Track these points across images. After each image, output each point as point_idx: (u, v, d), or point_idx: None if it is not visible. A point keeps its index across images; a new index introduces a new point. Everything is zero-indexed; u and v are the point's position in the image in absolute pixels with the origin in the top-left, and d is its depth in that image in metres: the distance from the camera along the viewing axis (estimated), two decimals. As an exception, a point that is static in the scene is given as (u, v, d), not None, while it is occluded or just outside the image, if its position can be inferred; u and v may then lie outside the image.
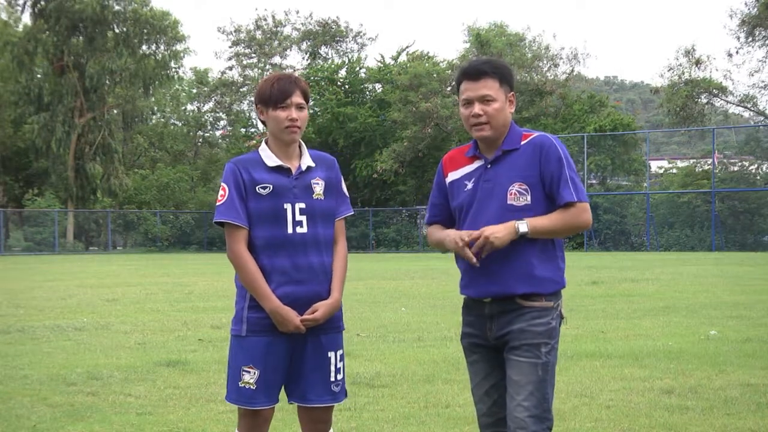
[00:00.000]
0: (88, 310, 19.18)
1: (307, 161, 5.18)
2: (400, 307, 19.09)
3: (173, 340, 13.98)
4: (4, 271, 38.27)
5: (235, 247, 5.04)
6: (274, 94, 5.06)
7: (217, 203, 5.08)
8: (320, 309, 5.14)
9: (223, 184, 5.09)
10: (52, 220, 68.55)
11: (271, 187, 5.05)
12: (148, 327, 15.90)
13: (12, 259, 54.95)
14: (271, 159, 5.11)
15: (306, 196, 5.11)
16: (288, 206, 5.07)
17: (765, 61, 67.45)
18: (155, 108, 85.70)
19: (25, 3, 70.54)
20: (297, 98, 5.08)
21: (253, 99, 5.32)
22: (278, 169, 5.10)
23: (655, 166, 69.07)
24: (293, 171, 5.13)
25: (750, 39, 66.38)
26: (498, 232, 4.79)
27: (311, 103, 74.44)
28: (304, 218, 5.10)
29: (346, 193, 5.43)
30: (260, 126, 79.81)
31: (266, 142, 5.19)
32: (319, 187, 5.17)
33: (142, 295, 23.35)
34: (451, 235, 4.96)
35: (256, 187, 5.05)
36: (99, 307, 19.77)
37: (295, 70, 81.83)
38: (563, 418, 7.90)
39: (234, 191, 5.04)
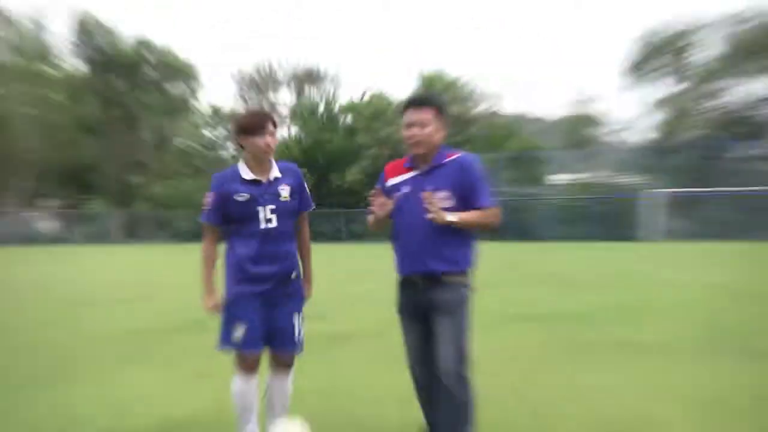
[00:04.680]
0: (134, 285, 19.33)
1: (275, 173, 5.20)
2: (365, 282, 19.16)
3: (198, 308, 14.02)
4: (73, 256, 38.14)
5: (205, 242, 5.27)
6: (253, 124, 5.09)
7: (204, 208, 5.22)
8: (308, 290, 5.45)
9: (211, 192, 5.18)
10: (102, 219, 69.23)
11: (248, 195, 5.10)
12: (179, 297, 15.93)
13: (72, 248, 54.59)
14: (246, 173, 5.14)
15: (275, 200, 5.15)
16: (260, 208, 5.11)
17: (638, 99, 68.78)
18: (181, 133, 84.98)
19: (81, 53, 70.29)
20: (270, 127, 5.12)
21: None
22: (252, 182, 5.13)
23: (556, 178, 69.54)
24: (264, 182, 5.15)
25: (627, 82, 67.33)
26: (438, 214, 4.89)
27: (297, 130, 74.13)
28: (274, 216, 5.13)
29: (309, 193, 5.46)
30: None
31: (244, 159, 5.19)
32: (285, 192, 5.19)
33: (175, 273, 23.39)
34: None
35: (235, 195, 5.10)
36: (140, 285, 19.84)
37: (285, 105, 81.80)
38: (479, 362, 8.09)
39: (216, 201, 5.16)
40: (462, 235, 5.06)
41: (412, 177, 5.15)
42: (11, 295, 17.07)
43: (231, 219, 5.18)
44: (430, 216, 4.93)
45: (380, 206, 5.13)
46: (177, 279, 21.46)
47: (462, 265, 5.08)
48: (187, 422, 6.23)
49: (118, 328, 11.58)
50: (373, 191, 5.21)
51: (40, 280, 21.38)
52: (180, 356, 9.27)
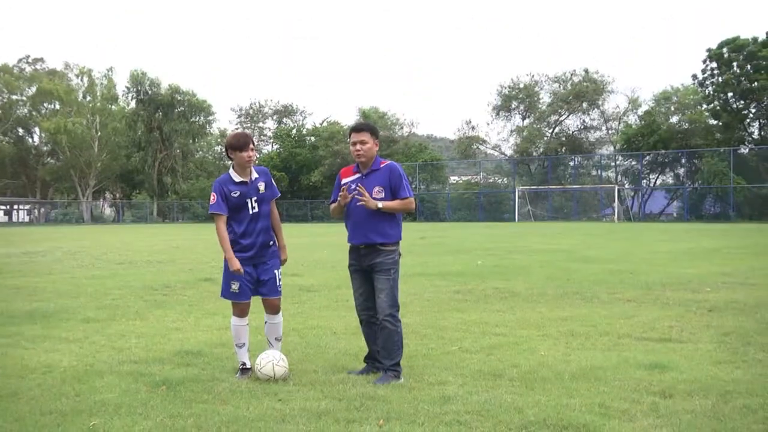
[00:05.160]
0: (163, 252, 18.76)
1: (255, 175, 5.10)
2: (325, 249, 18.96)
3: (210, 268, 13.68)
4: (123, 232, 37.21)
5: (220, 226, 5.02)
6: (239, 143, 4.99)
7: (211, 203, 5.05)
8: (284, 254, 5.29)
9: (213, 193, 5.06)
10: (144, 206, 68.82)
11: (239, 192, 5.01)
12: (195, 260, 15.61)
13: (123, 226, 53.48)
14: (237, 177, 5.04)
15: (257, 192, 5.07)
16: (249, 200, 5.03)
17: (504, 126, 69.28)
18: (198, 149, 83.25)
19: (133, 95, 70.28)
20: (251, 145, 5.04)
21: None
22: (241, 183, 5.04)
23: (452, 179, 70.13)
24: (249, 182, 5.07)
25: (497, 115, 68.24)
26: (369, 201, 4.90)
27: (278, 147, 73.47)
28: (257, 204, 5.05)
29: (275, 185, 5.32)
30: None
31: (233, 167, 5.08)
32: (262, 186, 5.10)
33: (192, 243, 22.84)
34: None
35: (231, 193, 5.00)
36: (168, 252, 19.34)
37: (270, 130, 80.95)
38: (405, 306, 7.92)
39: (219, 196, 5.01)
40: (392, 217, 5.04)
41: (358, 177, 5.11)
42: (82, 259, 16.43)
43: (229, 208, 5.07)
44: (360, 203, 4.94)
45: (343, 197, 5.08)
46: (193, 248, 20.94)
47: (393, 238, 5.05)
48: (199, 350, 5.91)
49: (150, 282, 11.18)
50: (343, 189, 5.11)
51: (100, 248, 20.68)
52: (193, 302, 8.92)
